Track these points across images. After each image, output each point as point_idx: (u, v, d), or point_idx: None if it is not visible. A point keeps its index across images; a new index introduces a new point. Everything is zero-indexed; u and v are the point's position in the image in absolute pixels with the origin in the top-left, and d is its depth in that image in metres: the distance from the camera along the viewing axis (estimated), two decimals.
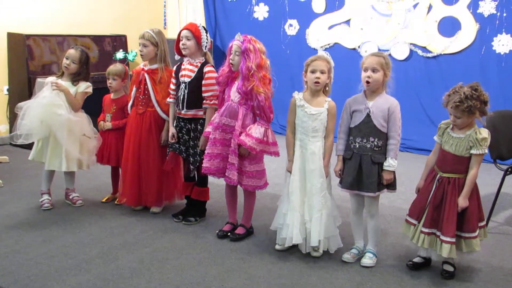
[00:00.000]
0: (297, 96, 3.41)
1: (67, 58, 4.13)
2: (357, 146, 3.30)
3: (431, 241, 3.13)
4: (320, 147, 3.36)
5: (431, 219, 3.12)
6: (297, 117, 3.39)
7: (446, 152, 3.14)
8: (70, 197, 4.35)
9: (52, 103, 3.97)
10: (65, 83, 4.14)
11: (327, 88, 3.40)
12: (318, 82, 3.30)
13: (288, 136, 3.47)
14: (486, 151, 3.05)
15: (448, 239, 3.04)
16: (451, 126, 3.17)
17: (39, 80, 4.10)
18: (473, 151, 3.04)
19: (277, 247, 3.53)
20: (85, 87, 4.19)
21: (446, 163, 3.14)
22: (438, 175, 3.16)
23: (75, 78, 4.18)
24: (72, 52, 4.15)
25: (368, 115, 3.25)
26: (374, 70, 3.21)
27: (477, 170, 3.06)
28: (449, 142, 3.13)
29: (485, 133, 3.04)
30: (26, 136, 3.98)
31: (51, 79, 4.16)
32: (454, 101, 3.01)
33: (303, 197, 3.38)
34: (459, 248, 3.11)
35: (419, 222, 3.19)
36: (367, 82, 3.23)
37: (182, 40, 3.82)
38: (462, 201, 3.05)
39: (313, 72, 3.31)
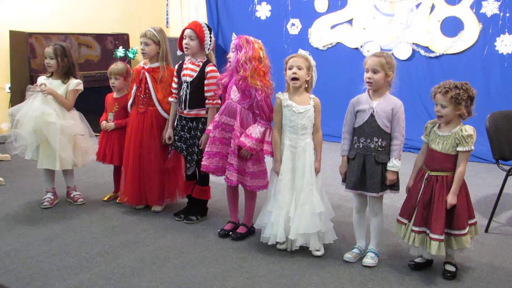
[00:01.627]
0: (282, 96, 3.40)
1: (45, 58, 4.15)
2: (361, 146, 3.29)
3: (421, 240, 3.14)
4: (310, 143, 3.38)
5: (421, 217, 3.13)
6: (284, 117, 3.39)
7: (433, 151, 3.15)
8: (72, 195, 4.35)
9: (43, 113, 3.99)
10: (56, 81, 4.14)
11: (306, 86, 3.41)
12: (296, 78, 3.32)
13: (275, 137, 3.45)
14: (473, 147, 3.07)
15: (436, 236, 3.05)
16: (437, 125, 3.20)
17: (30, 87, 4.15)
18: (459, 148, 3.06)
19: (278, 246, 3.53)
20: (75, 84, 4.19)
21: (433, 161, 3.15)
22: (427, 174, 3.17)
23: (63, 75, 4.17)
24: (46, 50, 4.16)
25: (372, 115, 3.25)
26: (374, 71, 3.21)
27: (464, 167, 3.08)
28: (436, 141, 3.14)
29: (470, 130, 3.06)
30: (22, 151, 4.08)
31: (41, 79, 4.17)
32: (444, 86, 3.06)
33: (291, 196, 3.39)
34: (450, 245, 3.12)
35: (409, 221, 3.20)
36: (368, 83, 3.24)
37: (185, 39, 3.81)
38: (451, 198, 3.06)
39: (290, 68, 3.34)
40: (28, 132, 3.98)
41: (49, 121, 3.99)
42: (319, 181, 3.43)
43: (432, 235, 3.06)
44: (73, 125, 4.14)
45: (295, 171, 3.39)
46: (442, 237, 3.05)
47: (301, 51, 3.43)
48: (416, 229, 3.14)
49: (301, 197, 3.35)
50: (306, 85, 3.42)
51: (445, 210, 3.06)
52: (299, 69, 3.32)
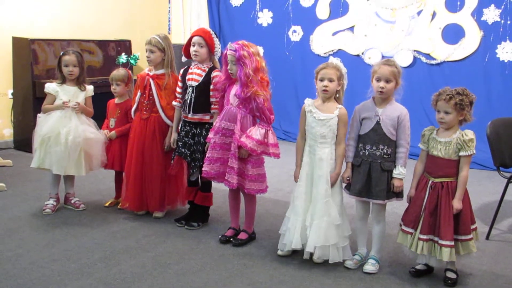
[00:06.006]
0: (308, 102, 3.41)
1: (66, 66, 4.11)
2: (367, 153, 3.29)
3: (429, 247, 3.14)
4: (329, 154, 3.34)
5: (428, 225, 3.13)
6: (306, 123, 3.39)
7: (435, 158, 3.16)
8: (72, 201, 4.35)
9: (86, 133, 4.09)
10: (71, 88, 4.17)
11: (337, 95, 3.39)
12: (327, 90, 3.31)
13: (298, 142, 3.47)
14: (474, 151, 3.09)
15: (447, 243, 3.06)
16: (435, 132, 3.21)
17: (39, 114, 4.18)
18: (462, 153, 3.08)
19: (279, 252, 3.53)
20: (91, 90, 4.29)
21: (437, 168, 3.16)
22: (430, 182, 3.17)
23: (79, 81, 4.21)
24: (69, 58, 4.12)
25: (377, 123, 3.25)
26: (387, 81, 3.21)
27: (467, 171, 3.10)
28: (438, 147, 3.15)
29: (470, 134, 3.09)
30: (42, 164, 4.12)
31: (53, 86, 4.16)
32: (447, 93, 3.08)
33: (308, 203, 3.37)
34: (457, 251, 3.13)
35: (415, 230, 3.19)
36: (381, 92, 3.23)
37: (194, 46, 3.82)
38: (457, 204, 3.08)
39: (321, 80, 3.33)
40: (70, 153, 4.02)
41: (90, 137, 4.11)
42: (338, 195, 3.38)
43: (442, 242, 3.07)
44: (99, 132, 4.25)
45: (313, 179, 3.36)
46: (453, 243, 3.07)
47: (332, 60, 3.38)
48: (424, 237, 3.14)
49: (317, 208, 3.31)
50: (337, 95, 3.40)
51: (452, 216, 3.08)
52: (330, 81, 3.31)
